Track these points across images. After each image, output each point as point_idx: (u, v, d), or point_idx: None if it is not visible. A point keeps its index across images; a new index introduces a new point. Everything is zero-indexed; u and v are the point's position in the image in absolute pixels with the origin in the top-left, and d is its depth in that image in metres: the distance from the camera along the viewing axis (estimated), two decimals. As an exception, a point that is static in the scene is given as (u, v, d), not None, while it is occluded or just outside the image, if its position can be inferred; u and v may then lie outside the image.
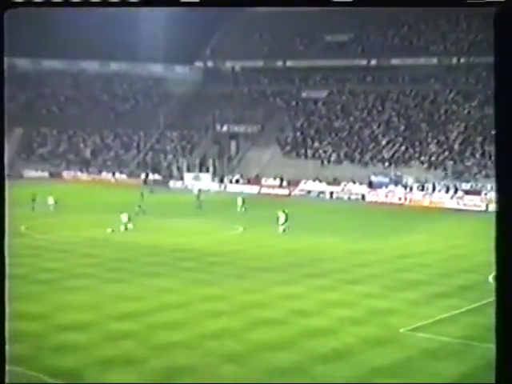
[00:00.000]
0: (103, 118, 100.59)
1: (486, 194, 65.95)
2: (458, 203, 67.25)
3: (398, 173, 75.17)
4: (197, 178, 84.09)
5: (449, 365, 21.29)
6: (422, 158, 77.70)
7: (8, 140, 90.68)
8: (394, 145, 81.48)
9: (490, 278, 30.40)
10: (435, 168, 75.60)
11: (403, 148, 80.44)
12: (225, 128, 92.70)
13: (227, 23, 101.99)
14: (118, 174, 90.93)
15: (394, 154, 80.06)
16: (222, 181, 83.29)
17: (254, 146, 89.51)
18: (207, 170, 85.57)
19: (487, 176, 69.55)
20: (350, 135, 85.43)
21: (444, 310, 27.36)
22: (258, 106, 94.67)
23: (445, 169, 74.74)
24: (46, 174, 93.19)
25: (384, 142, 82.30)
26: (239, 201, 60.35)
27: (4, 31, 10.51)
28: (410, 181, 73.15)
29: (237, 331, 24.37)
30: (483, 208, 63.82)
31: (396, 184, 73.28)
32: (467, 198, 67.35)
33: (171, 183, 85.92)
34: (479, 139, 76.57)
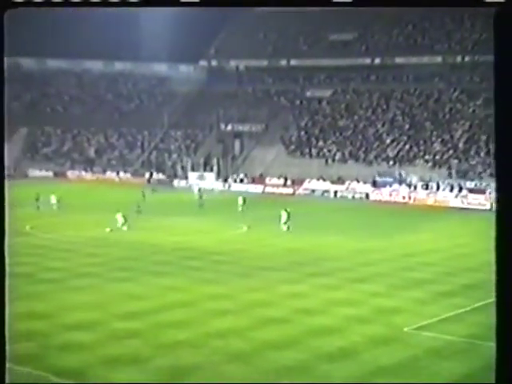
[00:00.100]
0: (107, 118, 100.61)
1: (490, 192, 65.60)
2: (463, 202, 67.08)
3: (403, 171, 75.09)
4: (201, 177, 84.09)
5: (453, 363, 21.32)
6: (427, 157, 77.56)
7: (13, 139, 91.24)
8: (398, 143, 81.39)
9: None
10: (440, 167, 75.46)
11: (407, 147, 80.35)
12: (229, 127, 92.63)
13: (231, 22, 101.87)
14: (122, 174, 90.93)
15: (398, 153, 79.96)
16: (226, 180, 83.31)
17: (259, 145, 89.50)
18: (211, 169, 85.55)
19: (492, 175, 69.25)
20: (355, 134, 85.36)
21: (449, 309, 27.37)
22: (262, 105, 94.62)
23: (449, 167, 74.59)
24: (50, 173, 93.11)
25: (388, 141, 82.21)
26: (240, 200, 60.38)
27: (4, 31, 10.51)
28: (414, 179, 72.98)
29: (242, 330, 24.40)
30: (488, 207, 63.49)
31: (400, 183, 73.15)
32: (472, 196, 67.12)
33: (175, 182, 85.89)
34: (484, 138, 76.36)
